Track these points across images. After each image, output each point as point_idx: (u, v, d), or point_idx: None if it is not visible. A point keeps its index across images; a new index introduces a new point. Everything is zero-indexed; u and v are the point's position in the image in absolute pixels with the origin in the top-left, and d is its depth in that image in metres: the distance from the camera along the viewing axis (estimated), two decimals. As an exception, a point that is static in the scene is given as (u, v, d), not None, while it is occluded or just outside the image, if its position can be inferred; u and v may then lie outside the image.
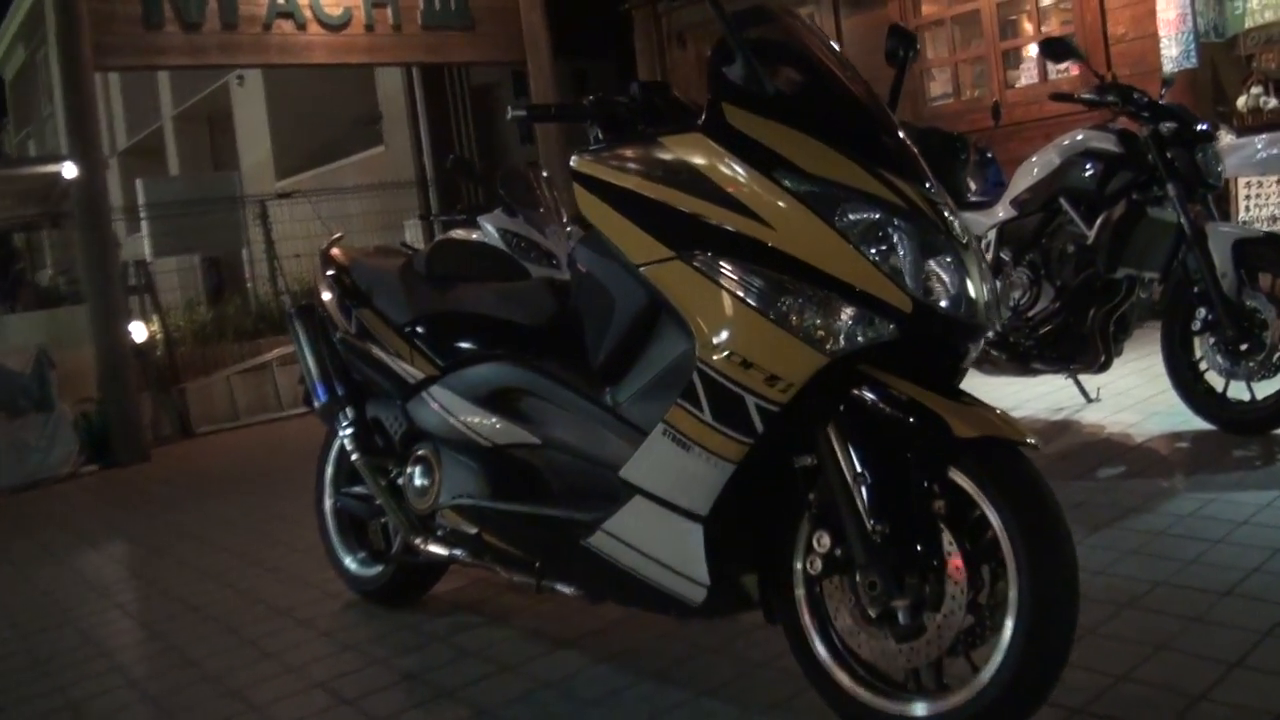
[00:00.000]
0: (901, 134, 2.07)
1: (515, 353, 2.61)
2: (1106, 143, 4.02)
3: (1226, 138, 5.63)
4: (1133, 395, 4.56)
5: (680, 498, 2.05)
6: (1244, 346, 3.66)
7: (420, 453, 2.85)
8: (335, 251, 3.27)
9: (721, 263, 1.95)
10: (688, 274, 1.99)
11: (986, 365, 4.37)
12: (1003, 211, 4.32)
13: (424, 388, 2.80)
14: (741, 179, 1.96)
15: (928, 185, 1.99)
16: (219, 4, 7.73)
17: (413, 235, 10.11)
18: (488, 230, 5.59)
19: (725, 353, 1.93)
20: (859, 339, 1.89)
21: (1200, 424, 3.90)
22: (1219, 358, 3.76)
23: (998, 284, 2.12)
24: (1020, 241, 4.24)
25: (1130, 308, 4.11)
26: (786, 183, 1.92)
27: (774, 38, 2.15)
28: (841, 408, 1.94)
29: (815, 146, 1.96)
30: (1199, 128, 3.85)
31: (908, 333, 1.91)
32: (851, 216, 1.90)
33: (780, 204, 1.92)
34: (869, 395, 1.91)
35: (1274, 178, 5.71)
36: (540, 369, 2.51)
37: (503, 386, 2.59)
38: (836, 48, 2.27)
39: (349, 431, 3.06)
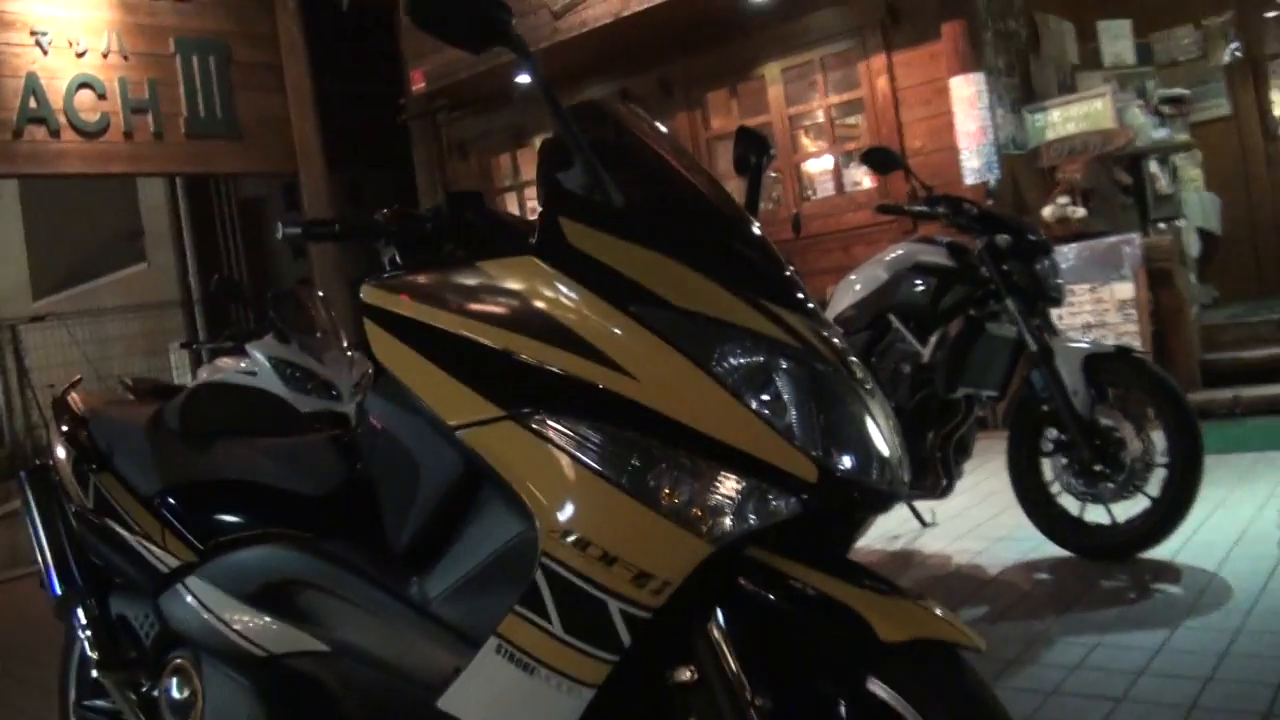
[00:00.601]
0: (775, 250, 1.70)
1: (294, 532, 2.06)
2: (938, 256, 3.82)
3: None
4: (970, 518, 4.32)
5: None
6: (1100, 468, 3.45)
7: (177, 662, 2.22)
8: (73, 397, 2.65)
9: (567, 424, 1.50)
10: (523, 439, 1.52)
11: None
12: (824, 330, 4.05)
13: (179, 578, 2.19)
14: (589, 314, 1.53)
15: (812, 313, 1.61)
16: (-41, 108, 6.90)
17: (177, 362, 9.28)
18: (257, 359, 4.97)
19: (578, 544, 1.47)
20: (752, 520, 1.47)
21: (1054, 549, 3.65)
22: (1073, 480, 3.54)
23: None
24: (848, 362, 3.97)
25: (969, 428, 3.88)
26: (647, 318, 1.49)
27: (612, 138, 1.75)
28: (725, 604, 1.50)
29: (678, 271, 1.57)
30: (1034, 238, 3.69)
31: (812, 507, 1.50)
32: (731, 360, 1.49)
33: (640, 346, 1.50)
34: (761, 588, 1.49)
35: (1085, 286, 5.73)
36: (326, 553, 1.96)
37: (279, 577, 2.02)
38: (683, 148, 1.90)
39: (87, 634, 2.41)
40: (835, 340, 1.59)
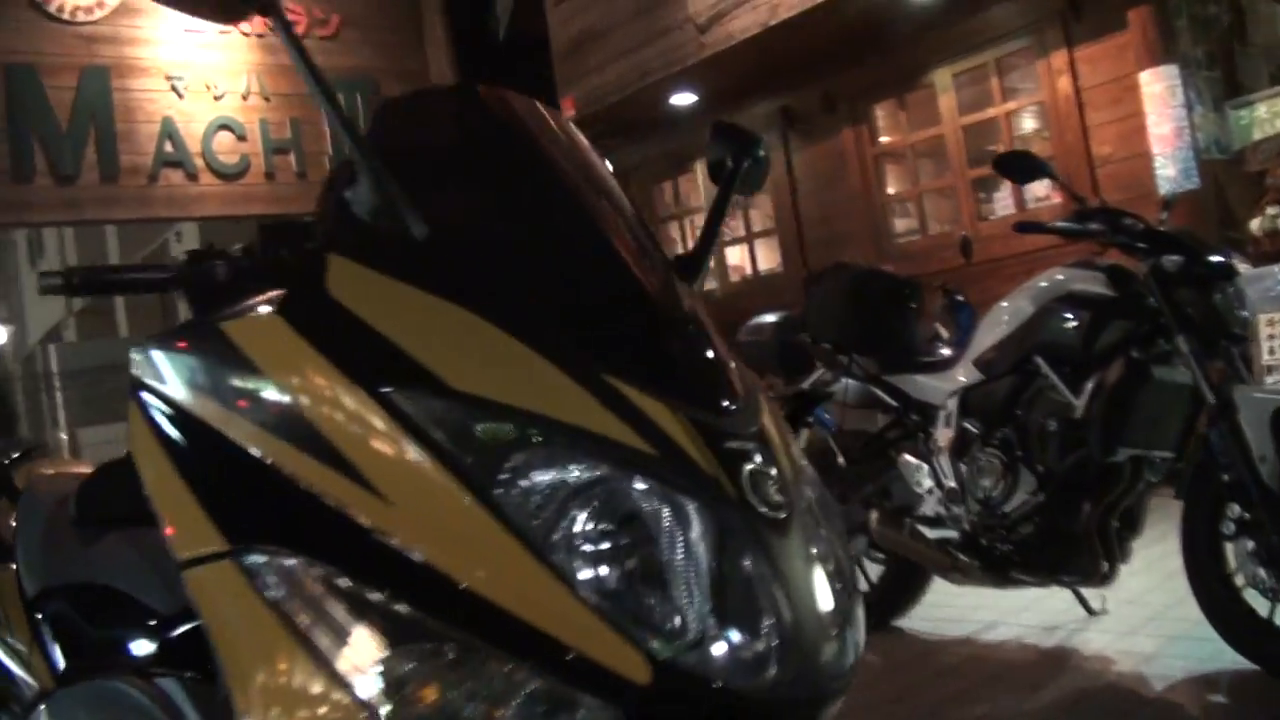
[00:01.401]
0: (682, 294, 1.15)
1: (136, 661, 1.62)
2: (1093, 284, 3.11)
3: (1241, 268, 4.76)
4: (1146, 606, 3.52)
5: None
6: (1295, 556, 2.66)
7: None
8: (25, 469, 2.32)
9: (296, 569, 0.99)
10: (236, 587, 1.01)
11: (954, 574, 3.36)
12: (964, 374, 3.38)
13: (33, 709, 1.78)
14: (336, 403, 1.01)
15: (725, 401, 1.04)
16: (98, 155, 6.97)
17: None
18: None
19: None
20: None
21: (1238, 659, 2.85)
22: (1260, 570, 2.75)
23: (858, 609, 1.12)
24: (989, 413, 3.28)
25: (1139, 499, 3.13)
26: (403, 408, 0.96)
27: (451, 142, 1.25)
28: None
29: (481, 331, 1.03)
30: (1214, 259, 2.93)
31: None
32: (527, 479, 0.95)
33: (390, 450, 0.96)
34: None
35: (1300, 317, 4.78)
36: (157, 696, 1.51)
37: None
38: (579, 140, 1.38)
39: None
40: (742, 446, 1.02)
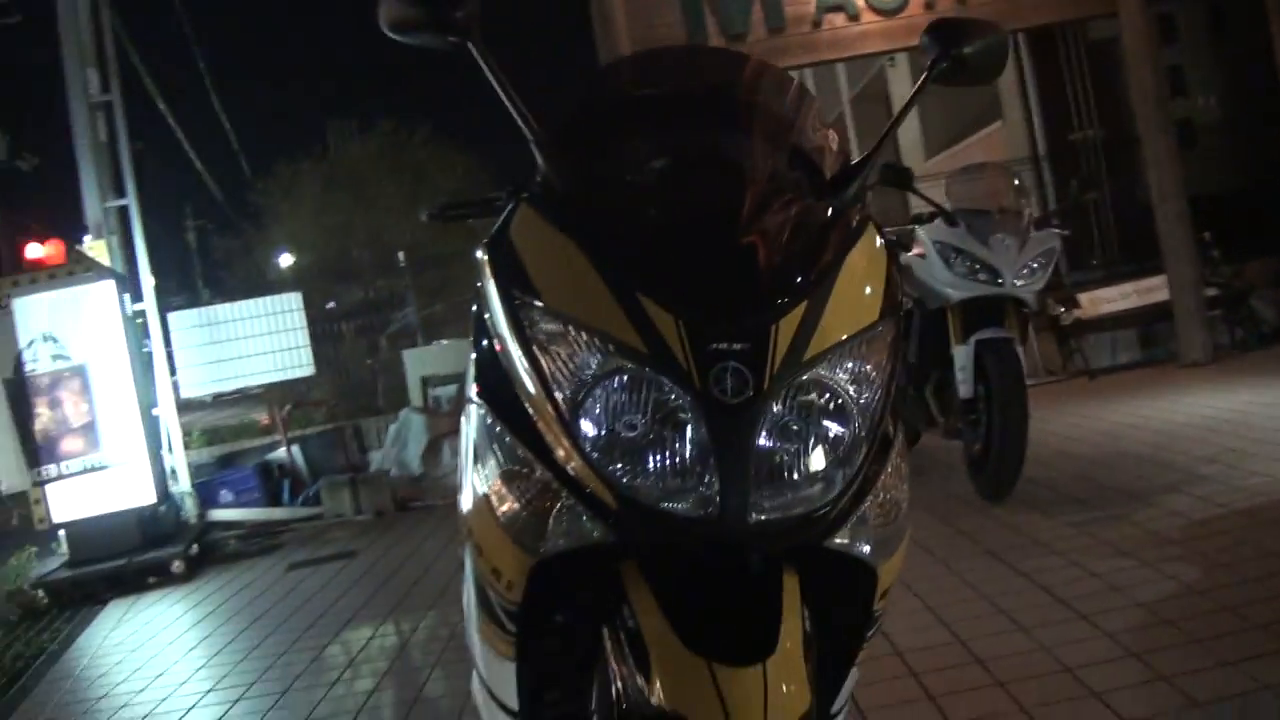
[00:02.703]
0: (786, 216, 1.55)
1: None
2: None
3: None
4: None
5: (499, 692, 1.77)
6: None
7: None
8: None
9: (476, 408, 1.63)
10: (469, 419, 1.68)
11: None
12: None
13: None
14: (499, 316, 1.58)
15: (735, 312, 1.43)
16: (764, 10, 7.84)
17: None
18: (925, 242, 5.05)
19: (467, 530, 1.62)
20: (562, 542, 1.46)
21: None
22: None
23: (823, 453, 1.42)
24: None
25: None
26: (519, 314, 1.52)
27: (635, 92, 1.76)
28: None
29: (574, 265, 1.52)
30: None
31: (633, 536, 1.43)
32: (569, 365, 1.49)
33: (518, 349, 1.52)
34: (624, 621, 1.49)
35: None
36: None
37: None
38: (770, 85, 1.77)
39: None
40: (721, 346, 1.41)
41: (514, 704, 1.72)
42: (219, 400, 11.30)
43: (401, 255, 13.56)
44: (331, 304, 11.38)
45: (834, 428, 1.47)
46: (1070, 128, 10.29)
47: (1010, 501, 4.81)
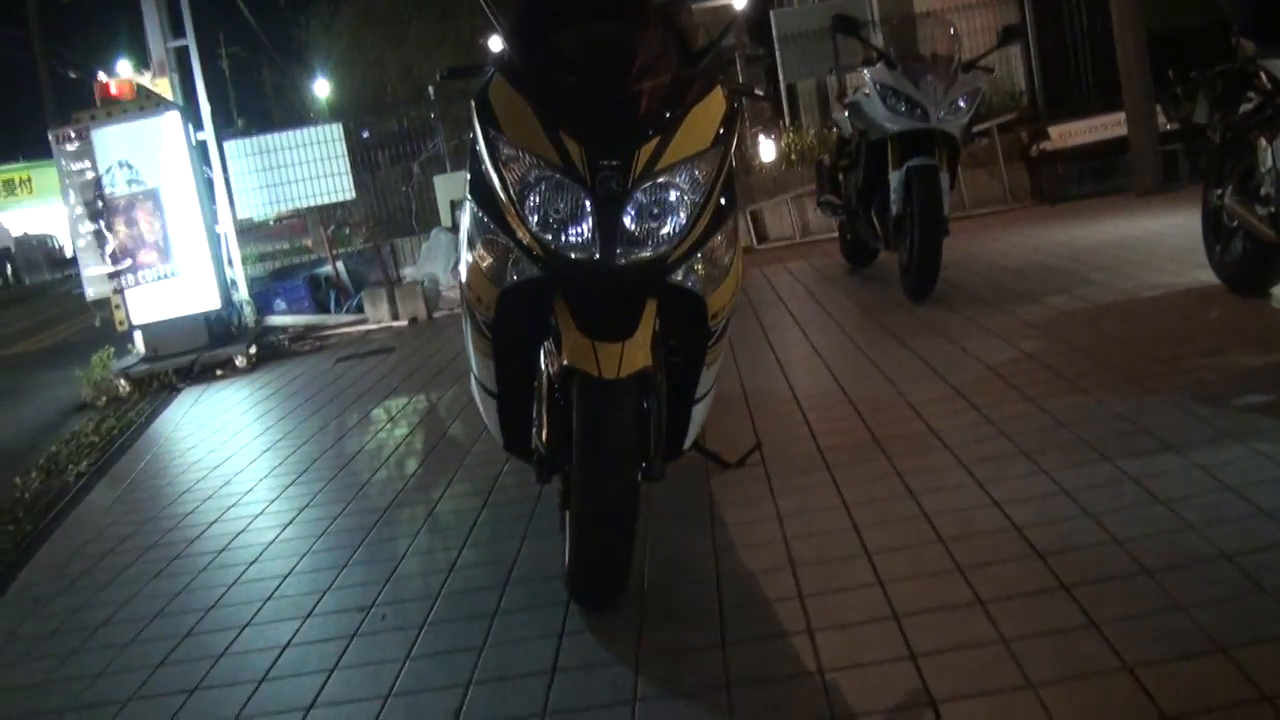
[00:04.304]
0: (636, 94, 2.53)
1: None
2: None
3: None
4: None
5: (484, 380, 2.87)
6: None
7: None
8: None
9: (470, 205, 2.67)
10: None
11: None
12: None
13: None
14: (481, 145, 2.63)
15: (600, 144, 2.45)
16: None
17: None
18: (867, 81, 5.94)
19: (460, 276, 2.70)
20: (514, 277, 2.53)
21: None
22: None
23: (665, 226, 2.50)
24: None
25: None
26: (495, 143, 2.59)
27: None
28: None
29: (524, 111, 2.54)
30: None
31: (553, 271, 2.48)
32: (514, 171, 2.53)
33: (490, 165, 2.57)
34: (552, 327, 2.59)
35: None
36: None
37: None
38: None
39: None
40: (606, 161, 2.44)
41: (494, 387, 2.84)
42: (266, 231, 12.43)
43: (431, 90, 14.42)
44: (365, 133, 12.30)
45: (674, 211, 2.52)
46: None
47: (929, 302, 5.85)
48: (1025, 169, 9.93)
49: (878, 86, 5.90)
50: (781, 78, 12.61)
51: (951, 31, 6.38)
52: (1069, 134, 9.85)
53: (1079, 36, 10.90)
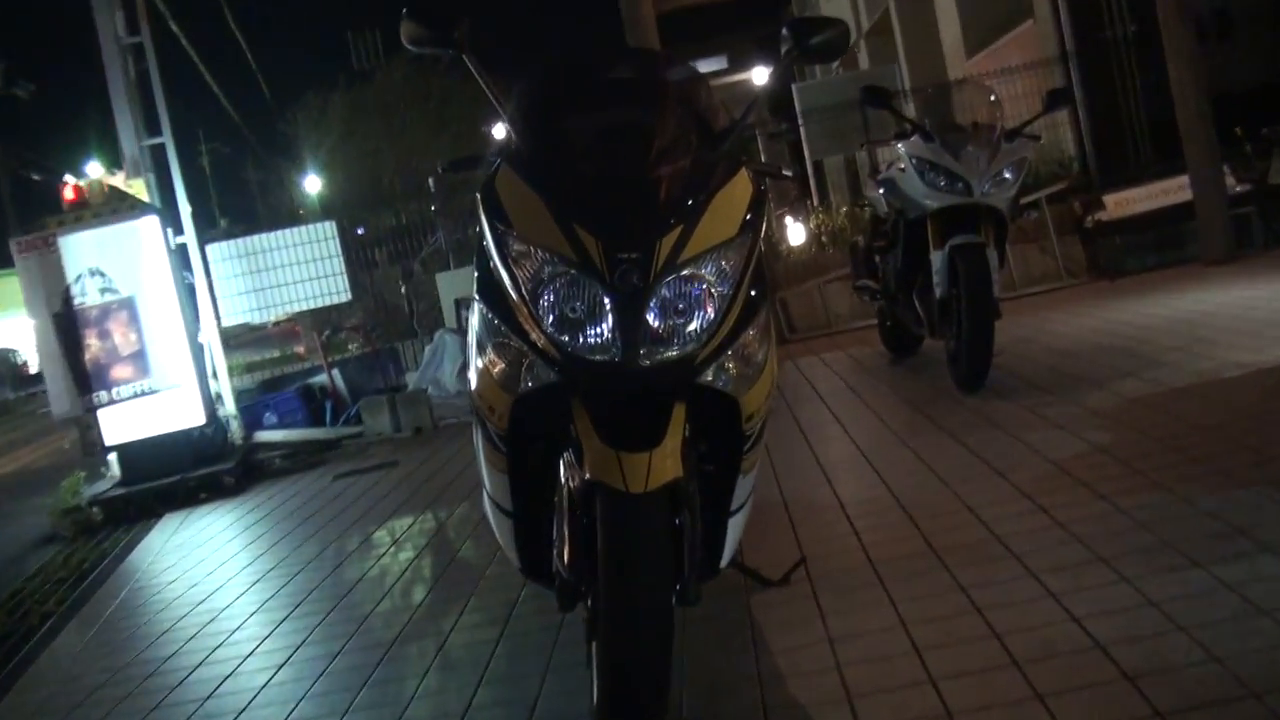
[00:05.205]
0: (656, 182, 2.55)
1: None
2: None
3: None
4: None
5: (498, 498, 2.83)
6: None
7: None
8: None
9: (479, 305, 2.67)
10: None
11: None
12: None
13: None
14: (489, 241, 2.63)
15: (619, 240, 2.44)
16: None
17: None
18: (903, 155, 5.98)
19: (470, 383, 2.68)
20: (529, 384, 2.52)
21: None
22: None
23: (692, 322, 2.48)
24: None
25: None
26: (503, 240, 2.57)
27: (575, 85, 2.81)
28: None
29: (534, 203, 2.54)
30: None
31: (571, 376, 2.46)
32: (528, 270, 2.51)
33: (500, 263, 2.57)
34: (572, 435, 2.55)
35: None
36: None
37: None
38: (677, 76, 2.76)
39: None
40: (624, 254, 2.43)
41: (509, 505, 2.80)
42: (255, 338, 12.53)
43: (431, 182, 14.67)
44: (361, 230, 12.45)
45: (701, 305, 2.50)
46: (1101, 25, 11.03)
47: (982, 392, 5.80)
48: (1080, 242, 9.94)
49: (914, 160, 5.93)
50: (807, 154, 12.76)
51: (992, 98, 6.43)
52: (1126, 202, 9.88)
53: (1131, 97, 11.01)
